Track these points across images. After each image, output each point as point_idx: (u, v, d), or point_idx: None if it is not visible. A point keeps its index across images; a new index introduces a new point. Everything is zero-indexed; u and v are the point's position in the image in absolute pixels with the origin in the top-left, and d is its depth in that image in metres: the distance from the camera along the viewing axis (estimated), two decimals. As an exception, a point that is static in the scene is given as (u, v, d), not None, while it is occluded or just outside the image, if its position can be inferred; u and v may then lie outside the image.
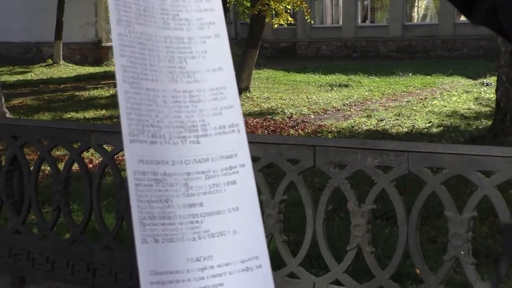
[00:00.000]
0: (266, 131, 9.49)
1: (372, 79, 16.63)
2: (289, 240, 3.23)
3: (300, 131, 9.62)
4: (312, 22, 20.75)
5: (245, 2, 15.85)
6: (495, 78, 9.31)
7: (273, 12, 14.68)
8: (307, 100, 12.97)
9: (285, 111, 11.57)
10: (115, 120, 10.61)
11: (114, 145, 3.50)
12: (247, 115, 10.93)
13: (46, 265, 3.67)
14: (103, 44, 22.31)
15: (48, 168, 5.02)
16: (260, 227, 0.68)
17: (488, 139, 7.63)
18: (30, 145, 4.00)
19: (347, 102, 12.71)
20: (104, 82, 16.30)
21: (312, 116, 11.09)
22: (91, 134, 3.51)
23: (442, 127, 9.60)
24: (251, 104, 12.44)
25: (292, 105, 12.36)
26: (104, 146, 3.56)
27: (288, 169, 3.07)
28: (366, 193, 2.97)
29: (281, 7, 14.09)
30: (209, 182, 0.67)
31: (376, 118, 10.51)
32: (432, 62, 21.51)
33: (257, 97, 13.42)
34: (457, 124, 9.84)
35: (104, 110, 11.79)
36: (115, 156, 3.59)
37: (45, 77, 17.99)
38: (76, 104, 12.73)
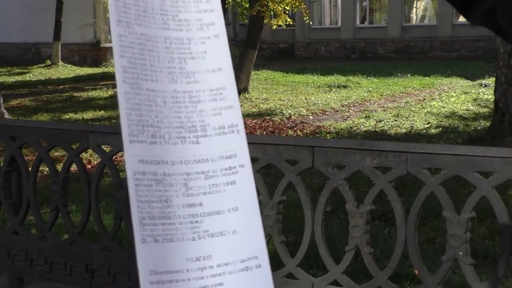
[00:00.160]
0: (265, 132, 9.50)
1: (371, 80, 16.65)
2: (287, 240, 3.23)
3: (298, 132, 9.62)
4: (311, 23, 20.75)
5: (243, 3, 15.85)
6: (493, 79, 9.31)
7: (272, 13, 14.69)
8: (305, 101, 12.98)
9: (284, 112, 11.57)
10: (113, 121, 10.61)
11: (113, 146, 3.50)
12: (245, 116, 10.93)
13: (45, 265, 3.67)
14: (101, 45, 22.31)
15: (47, 169, 5.02)
16: (259, 227, 0.68)
17: (487, 140, 7.63)
18: (28, 145, 4.00)
19: (345, 103, 12.72)
20: (103, 83, 16.30)
21: (311, 117, 11.10)
22: (89, 134, 3.51)
23: (440, 128, 9.60)
24: (249, 105, 12.44)
25: (290, 106, 12.36)
26: (102, 146, 3.55)
27: (287, 169, 3.07)
28: (365, 194, 2.97)
29: (280, 8, 14.09)
30: (209, 182, 0.67)
31: (374, 119, 10.52)
32: (431, 63, 21.54)
33: (256, 98, 13.42)
34: (456, 125, 9.85)
35: (102, 111, 11.79)
36: (114, 157, 3.60)
37: (43, 78, 17.98)
38: (75, 105, 12.73)
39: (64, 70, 19.81)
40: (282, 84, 16.24)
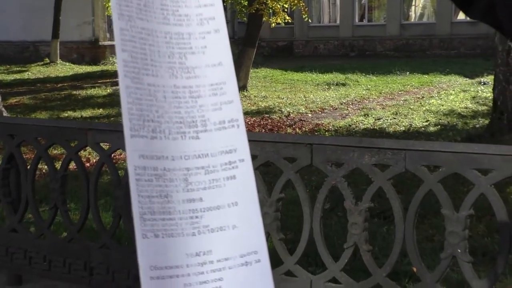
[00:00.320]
0: (264, 130, 9.49)
1: (370, 78, 16.64)
2: (286, 238, 3.23)
3: (297, 129, 9.62)
4: (310, 21, 20.74)
5: (242, 1, 15.82)
6: (492, 77, 9.31)
7: (271, 11, 14.68)
8: (304, 99, 12.98)
9: (283, 110, 11.57)
10: (112, 118, 10.61)
11: (111, 144, 3.50)
12: (244, 114, 10.77)
13: (43, 263, 3.67)
14: (100, 43, 22.29)
15: (45, 167, 5.01)
16: (259, 222, 0.68)
17: (485, 138, 7.63)
18: (27, 143, 4.00)
19: (344, 101, 12.71)
20: (101, 81, 16.28)
21: (310, 115, 11.09)
22: (88, 132, 3.50)
23: (439, 126, 9.61)
24: (248, 103, 12.44)
25: (289, 104, 12.36)
26: (101, 144, 3.55)
27: (285, 167, 3.07)
28: (363, 191, 2.98)
29: (279, 6, 14.09)
30: (209, 177, 0.68)
31: (373, 117, 10.52)
32: (429, 61, 21.52)
33: (255, 96, 13.42)
34: (454, 123, 9.85)
35: (101, 109, 11.78)
36: (112, 155, 3.59)
37: (42, 76, 17.96)
38: (73, 103, 12.72)
39: (63, 68, 19.78)
40: (280, 82, 16.23)
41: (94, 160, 6.45)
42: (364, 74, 17.28)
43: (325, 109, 11.82)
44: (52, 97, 13.77)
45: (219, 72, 0.71)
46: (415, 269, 2.93)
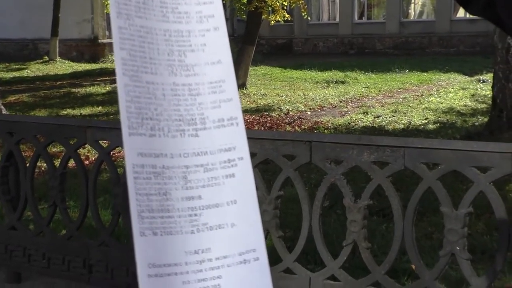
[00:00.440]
0: (263, 128, 9.49)
1: (369, 76, 16.64)
2: (285, 236, 3.23)
3: (296, 127, 9.62)
4: (309, 18, 20.71)
5: (241, -1, 15.82)
6: (491, 75, 9.31)
7: (270, 9, 14.67)
8: (303, 97, 12.98)
9: (282, 107, 11.57)
10: (111, 116, 10.60)
11: (110, 141, 3.49)
12: (243, 111, 10.76)
13: (42, 261, 3.67)
14: (99, 41, 22.27)
15: (44, 165, 5.01)
16: (258, 220, 0.68)
17: (485, 136, 7.63)
18: (26, 141, 4.00)
19: (343, 99, 12.71)
20: (101, 79, 16.27)
21: (309, 113, 11.09)
22: (87, 130, 3.50)
23: (438, 124, 9.61)
24: (247, 101, 12.44)
25: (288, 101, 12.35)
26: (100, 142, 3.55)
27: (284, 164, 3.07)
28: (362, 189, 2.98)
29: (278, 3, 14.08)
30: (208, 175, 0.67)
31: (372, 115, 10.52)
32: (429, 58, 21.52)
33: (254, 94, 13.41)
34: (454, 121, 9.85)
35: (100, 107, 11.77)
36: (111, 152, 3.59)
37: (41, 74, 17.94)
38: (73, 101, 12.71)
39: (62, 66, 19.77)
40: (280, 80, 16.22)
41: (93, 158, 6.45)
42: (363, 72, 17.28)
43: (324, 107, 11.82)
44: (51, 95, 13.76)
45: (218, 70, 0.71)
46: (414, 267, 2.93)
